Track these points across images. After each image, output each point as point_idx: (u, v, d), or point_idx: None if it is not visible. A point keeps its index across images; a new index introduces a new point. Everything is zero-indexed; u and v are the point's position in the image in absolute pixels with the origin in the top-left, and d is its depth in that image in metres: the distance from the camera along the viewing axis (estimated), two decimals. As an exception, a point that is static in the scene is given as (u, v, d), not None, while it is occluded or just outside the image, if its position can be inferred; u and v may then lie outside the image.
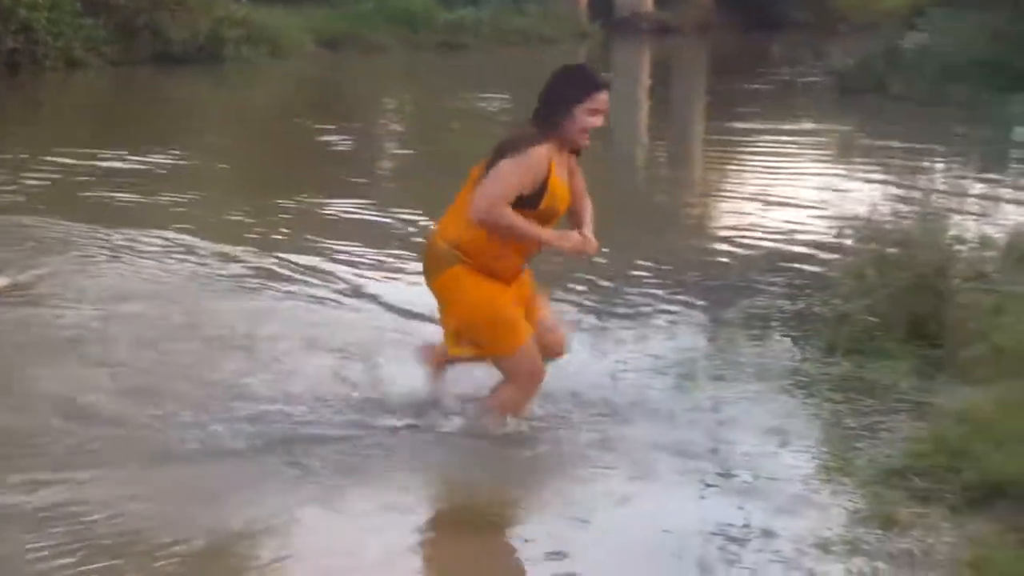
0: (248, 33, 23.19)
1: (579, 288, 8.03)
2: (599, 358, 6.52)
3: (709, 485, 4.98)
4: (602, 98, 5.18)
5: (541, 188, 5.12)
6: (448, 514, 4.98)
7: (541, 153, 5.11)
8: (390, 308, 7.41)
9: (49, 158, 12.36)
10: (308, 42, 24.84)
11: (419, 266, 5.56)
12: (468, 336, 5.36)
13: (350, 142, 15.24)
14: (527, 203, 5.12)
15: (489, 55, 27.63)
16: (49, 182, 11.31)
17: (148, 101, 19.16)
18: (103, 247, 8.67)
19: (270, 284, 7.94)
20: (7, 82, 19.39)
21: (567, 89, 5.19)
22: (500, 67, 26.12)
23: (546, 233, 5.18)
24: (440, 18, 28.28)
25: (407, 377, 5.83)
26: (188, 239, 8.96)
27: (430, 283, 5.37)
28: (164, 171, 12.26)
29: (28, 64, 20.08)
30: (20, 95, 19.12)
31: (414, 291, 6.70)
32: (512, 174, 5.06)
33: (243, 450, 5.21)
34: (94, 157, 12.67)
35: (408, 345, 6.15)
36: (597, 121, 5.19)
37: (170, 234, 9.07)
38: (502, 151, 5.12)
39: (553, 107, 5.17)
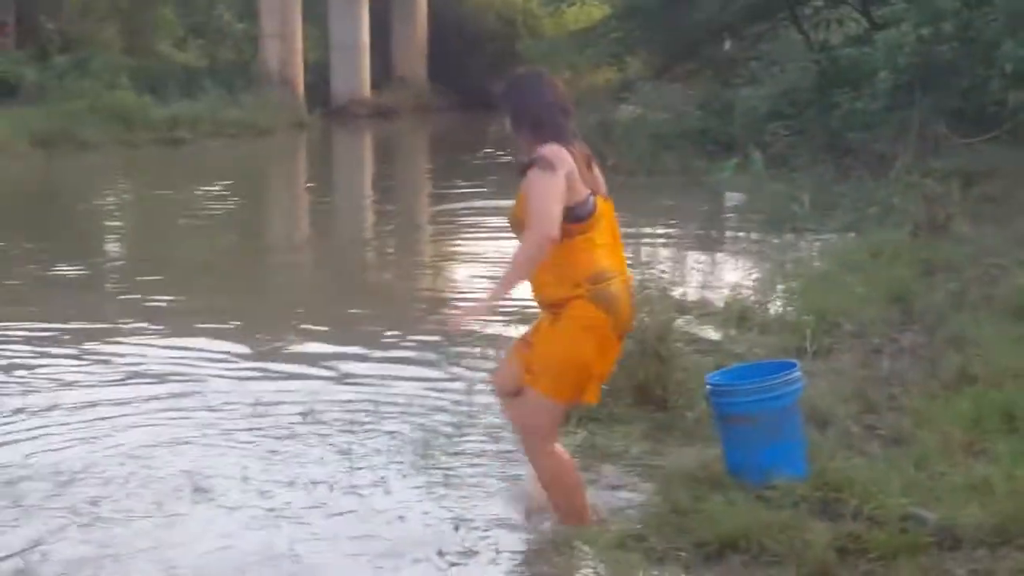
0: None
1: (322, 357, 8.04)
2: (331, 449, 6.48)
3: (453, 564, 4.96)
4: None
5: None
6: None
7: None
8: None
9: None
10: (19, 143, 24.09)
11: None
12: None
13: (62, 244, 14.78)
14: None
15: (206, 149, 27.28)
16: None
17: None
18: None
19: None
20: None
21: None
22: (218, 160, 25.84)
23: None
24: (155, 114, 27.84)
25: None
26: None
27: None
28: None
29: None
30: None
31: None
32: None
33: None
34: None
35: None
36: None
37: None
38: None
39: None
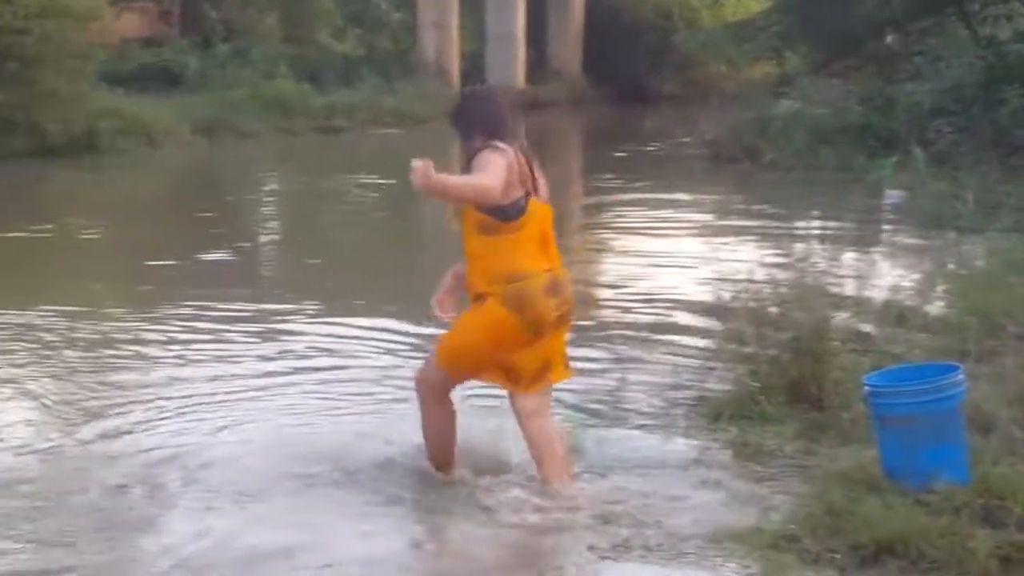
0: (122, 123, 22.99)
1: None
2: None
3: (603, 558, 4.93)
4: None
5: None
6: None
7: None
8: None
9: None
10: (183, 130, 24.66)
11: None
12: None
13: (230, 226, 15.08)
14: None
15: (364, 137, 27.63)
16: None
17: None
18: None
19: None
20: None
21: None
22: (374, 148, 26.15)
23: None
24: (314, 102, 28.28)
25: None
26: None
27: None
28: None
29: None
30: None
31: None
32: None
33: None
34: None
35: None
36: None
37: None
38: None
39: None
